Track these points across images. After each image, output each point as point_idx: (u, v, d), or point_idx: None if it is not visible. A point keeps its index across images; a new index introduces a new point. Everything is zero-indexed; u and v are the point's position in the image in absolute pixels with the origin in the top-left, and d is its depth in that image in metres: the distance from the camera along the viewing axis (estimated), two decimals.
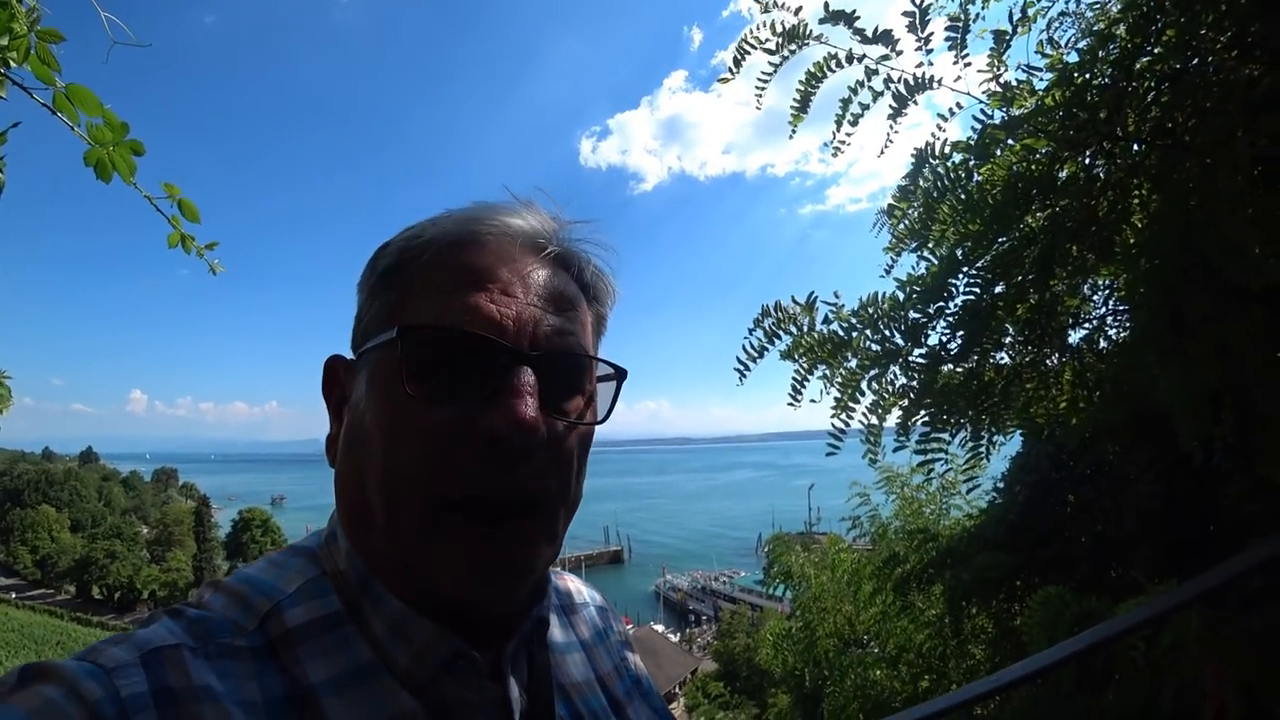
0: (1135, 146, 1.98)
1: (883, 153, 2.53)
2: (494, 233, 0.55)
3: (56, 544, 57.94)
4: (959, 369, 2.41)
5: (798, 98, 2.35)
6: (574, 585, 0.79)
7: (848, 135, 2.40)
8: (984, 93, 2.22)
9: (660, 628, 39.74)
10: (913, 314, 2.32)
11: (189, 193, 1.56)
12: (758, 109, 2.41)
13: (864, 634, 4.91)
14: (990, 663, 3.98)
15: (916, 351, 2.37)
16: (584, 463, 0.58)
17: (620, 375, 0.59)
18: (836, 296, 2.45)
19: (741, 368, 2.45)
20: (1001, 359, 2.49)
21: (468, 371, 0.51)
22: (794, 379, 2.48)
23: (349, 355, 0.61)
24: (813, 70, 2.29)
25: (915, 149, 2.34)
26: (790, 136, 2.44)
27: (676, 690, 27.00)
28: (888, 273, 2.56)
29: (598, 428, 0.59)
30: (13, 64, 1.23)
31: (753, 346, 2.45)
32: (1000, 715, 2.74)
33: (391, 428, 0.51)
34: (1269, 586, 1.87)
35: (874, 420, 2.47)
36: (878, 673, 4.47)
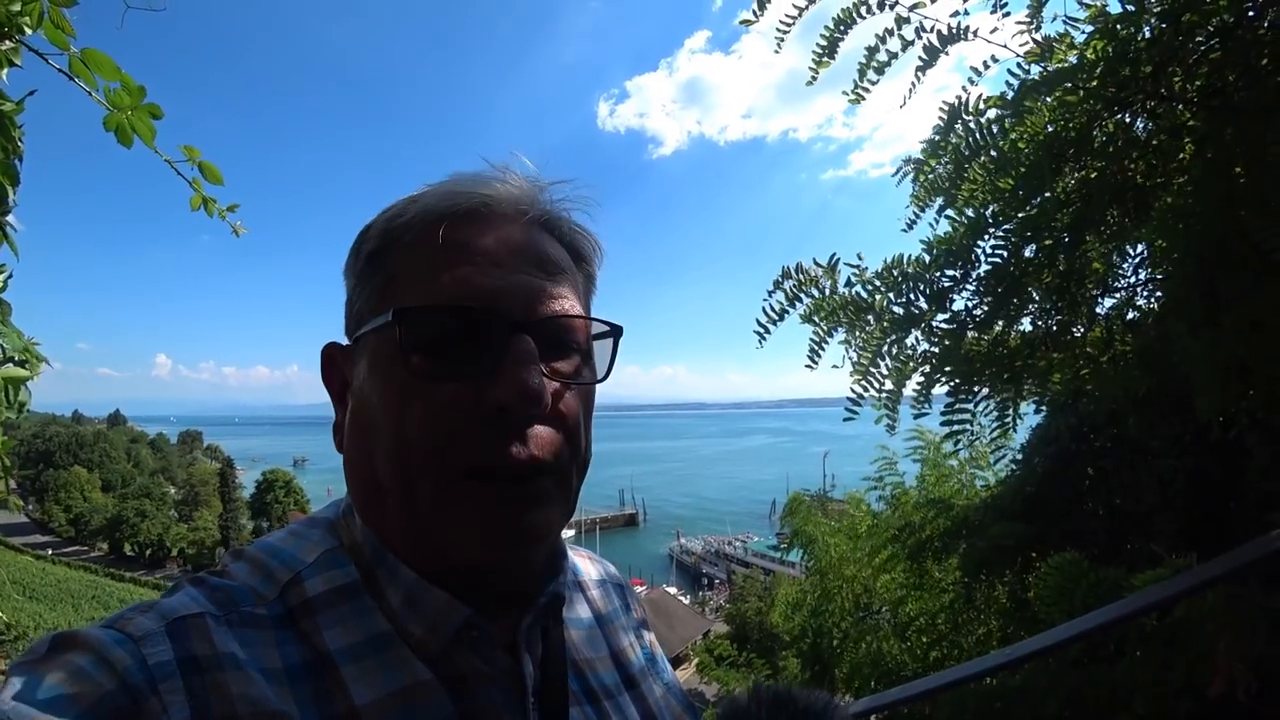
0: (1179, 107, 1.89)
1: (904, 104, 2.41)
2: (475, 204, 0.55)
3: (89, 503, 59.83)
4: (983, 335, 2.36)
5: (823, 42, 2.25)
6: (591, 562, 0.79)
7: (870, 84, 2.30)
8: (1020, 48, 2.12)
9: (673, 590, 40.36)
10: (938, 277, 2.27)
11: (209, 158, 1.55)
12: (777, 51, 2.30)
13: (878, 602, 4.93)
14: (1002, 633, 4.00)
15: (940, 316, 2.33)
16: (589, 421, 0.59)
17: (616, 332, 0.60)
18: (860, 259, 2.40)
19: (761, 330, 2.43)
20: (1026, 326, 2.43)
21: (468, 346, 0.51)
22: (812, 341, 2.45)
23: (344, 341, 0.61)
24: (841, 14, 2.19)
25: (946, 103, 2.25)
26: (810, 83, 2.34)
27: (689, 651, 27.61)
28: (910, 228, 2.49)
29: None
30: (26, 30, 1.22)
31: (773, 309, 2.42)
32: (1008, 681, 2.76)
33: (399, 408, 0.51)
34: None
35: (892, 386, 2.44)
36: (888, 644, 4.49)
